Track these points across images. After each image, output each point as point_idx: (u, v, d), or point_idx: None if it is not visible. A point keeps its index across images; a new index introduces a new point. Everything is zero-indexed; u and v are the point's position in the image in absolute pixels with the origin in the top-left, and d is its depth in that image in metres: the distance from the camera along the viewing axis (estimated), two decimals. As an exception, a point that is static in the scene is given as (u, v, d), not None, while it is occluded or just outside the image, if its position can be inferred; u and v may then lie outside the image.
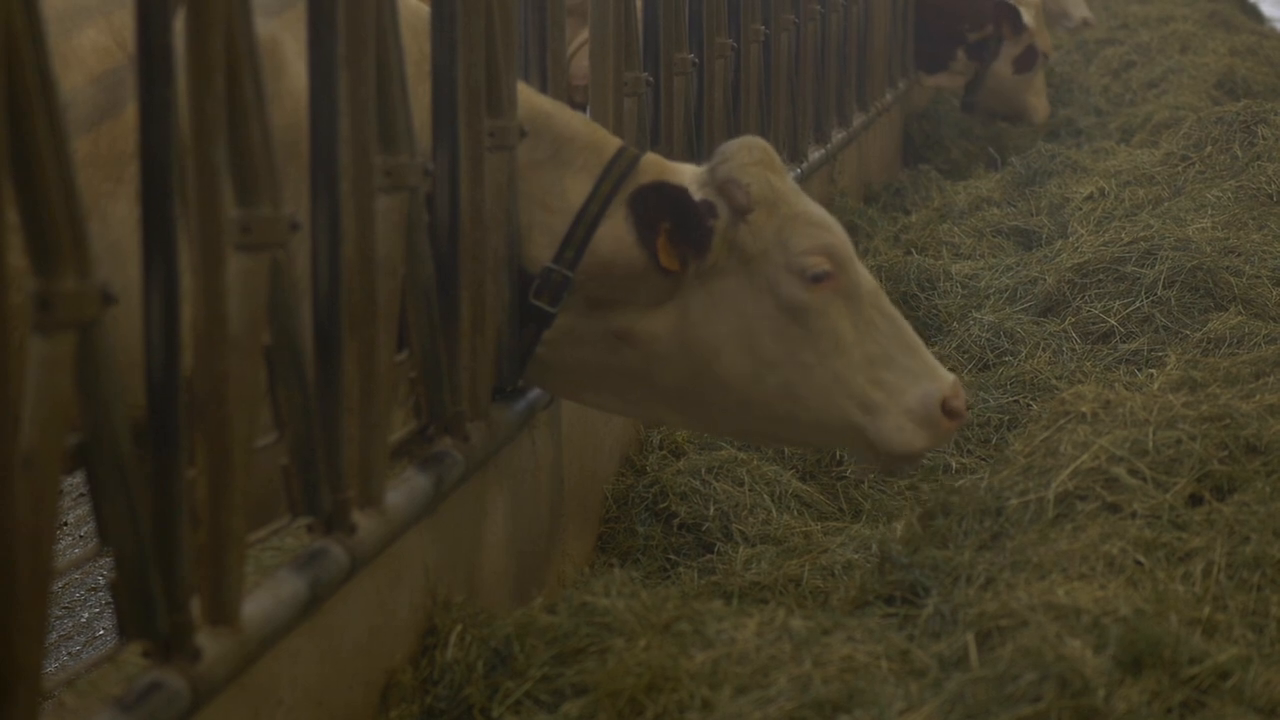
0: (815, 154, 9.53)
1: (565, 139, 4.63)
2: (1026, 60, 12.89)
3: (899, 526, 4.88)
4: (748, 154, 4.56)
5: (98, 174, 4.08)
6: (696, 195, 4.51)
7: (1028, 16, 12.93)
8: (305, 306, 3.60)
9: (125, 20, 4.12)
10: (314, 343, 3.66)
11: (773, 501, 5.64)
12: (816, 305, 4.51)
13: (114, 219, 4.05)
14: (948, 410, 4.54)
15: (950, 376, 4.59)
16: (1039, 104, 12.90)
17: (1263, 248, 7.34)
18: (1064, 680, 3.67)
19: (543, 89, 5.09)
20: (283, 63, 4.20)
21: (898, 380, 4.54)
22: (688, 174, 4.61)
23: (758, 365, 4.53)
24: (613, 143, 4.67)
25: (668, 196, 4.46)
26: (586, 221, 4.54)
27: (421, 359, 4.26)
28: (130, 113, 4.07)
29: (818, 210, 4.62)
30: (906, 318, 7.50)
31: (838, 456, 6.07)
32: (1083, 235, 8.01)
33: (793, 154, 9.07)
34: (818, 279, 4.52)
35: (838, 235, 4.59)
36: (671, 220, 4.45)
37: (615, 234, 4.54)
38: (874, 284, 4.64)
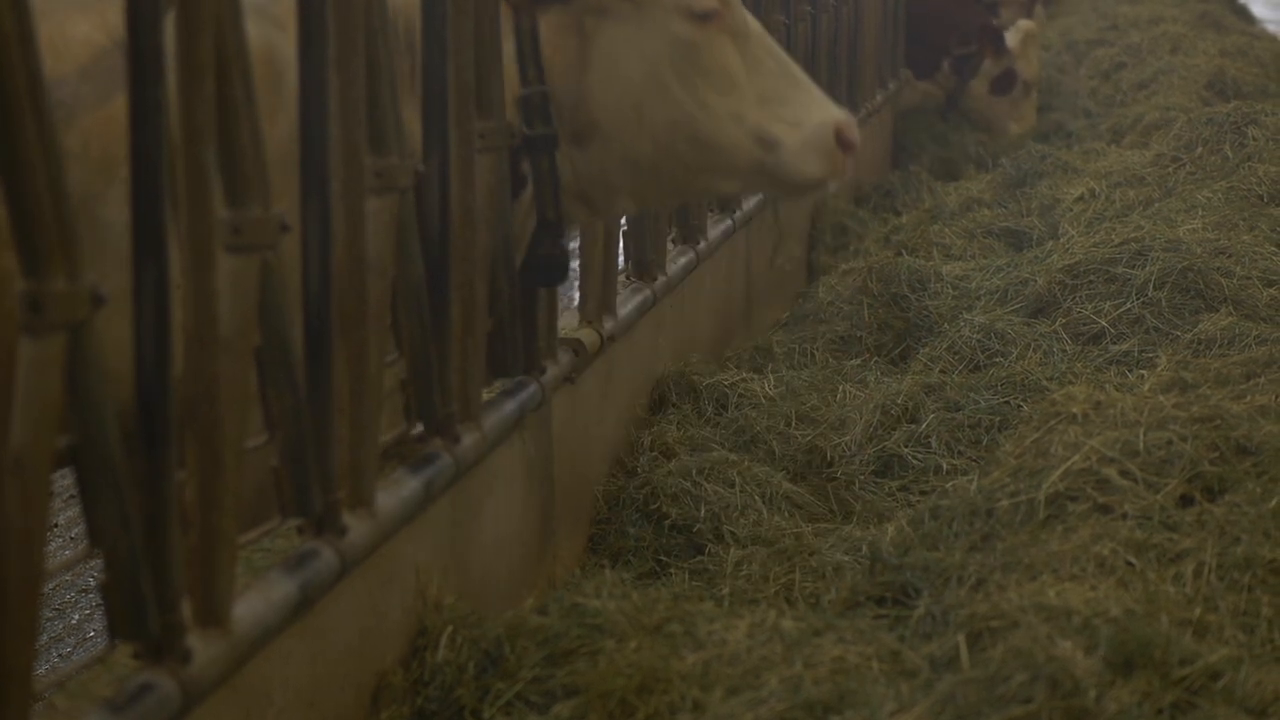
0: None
1: None
2: (1004, 83, 12.96)
3: (890, 527, 4.88)
4: None
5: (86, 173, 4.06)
6: None
7: (1013, 41, 12.98)
8: (296, 308, 3.60)
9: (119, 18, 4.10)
10: (304, 344, 3.65)
11: (763, 503, 5.64)
12: (706, 42, 4.67)
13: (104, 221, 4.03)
14: (841, 141, 4.71)
15: (841, 110, 4.75)
16: (1012, 127, 12.96)
17: (1253, 249, 7.35)
18: (1055, 681, 3.67)
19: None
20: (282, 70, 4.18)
21: (793, 114, 4.72)
22: None
23: (670, 109, 4.65)
24: None
25: None
26: (527, 32, 4.66)
27: (412, 360, 4.26)
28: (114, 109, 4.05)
29: None
30: (897, 319, 7.63)
31: (828, 458, 6.08)
32: (1073, 236, 8.01)
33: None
34: (705, 17, 4.68)
35: None
36: None
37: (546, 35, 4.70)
38: (760, 28, 4.81)
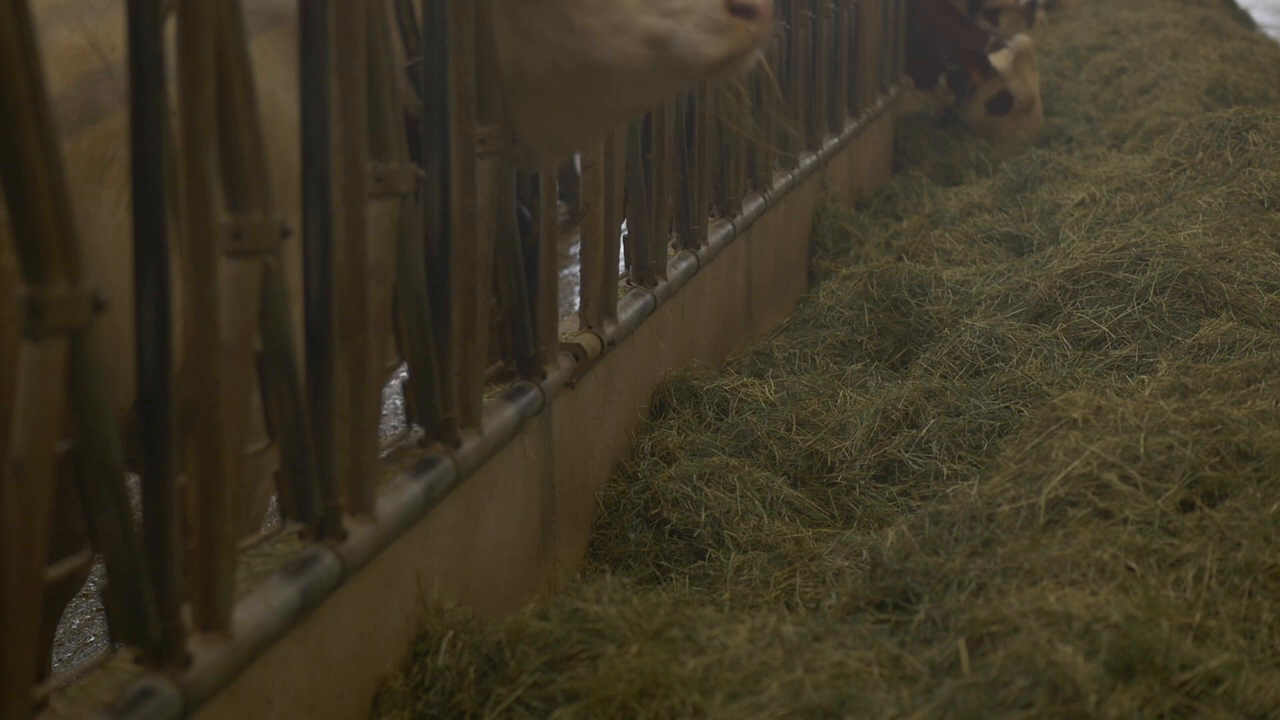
0: (806, 160, 9.53)
1: None
2: (1000, 104, 12.91)
3: (890, 533, 4.88)
4: None
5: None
6: None
7: (1005, 61, 12.92)
8: (296, 312, 3.60)
9: (97, 24, 4.10)
10: (305, 349, 3.65)
11: (764, 508, 5.64)
12: None
13: (97, 223, 4.03)
14: (738, 8, 4.45)
15: None
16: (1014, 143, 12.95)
17: (1254, 254, 7.35)
18: (1055, 686, 3.67)
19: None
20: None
21: (681, 4, 4.47)
22: None
23: (549, 52, 4.53)
24: None
25: None
26: (406, 7, 4.52)
27: (413, 365, 4.26)
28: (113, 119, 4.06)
29: None
30: (898, 324, 7.63)
31: (829, 463, 6.07)
32: (1074, 241, 8.01)
33: (784, 160, 9.08)
34: None
35: None
36: None
37: None
38: None
